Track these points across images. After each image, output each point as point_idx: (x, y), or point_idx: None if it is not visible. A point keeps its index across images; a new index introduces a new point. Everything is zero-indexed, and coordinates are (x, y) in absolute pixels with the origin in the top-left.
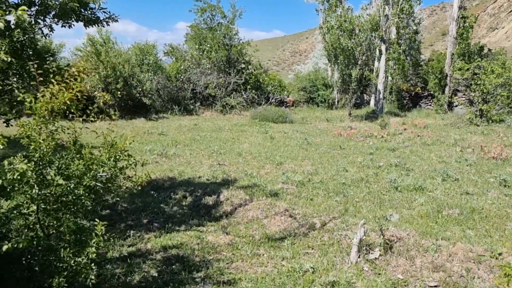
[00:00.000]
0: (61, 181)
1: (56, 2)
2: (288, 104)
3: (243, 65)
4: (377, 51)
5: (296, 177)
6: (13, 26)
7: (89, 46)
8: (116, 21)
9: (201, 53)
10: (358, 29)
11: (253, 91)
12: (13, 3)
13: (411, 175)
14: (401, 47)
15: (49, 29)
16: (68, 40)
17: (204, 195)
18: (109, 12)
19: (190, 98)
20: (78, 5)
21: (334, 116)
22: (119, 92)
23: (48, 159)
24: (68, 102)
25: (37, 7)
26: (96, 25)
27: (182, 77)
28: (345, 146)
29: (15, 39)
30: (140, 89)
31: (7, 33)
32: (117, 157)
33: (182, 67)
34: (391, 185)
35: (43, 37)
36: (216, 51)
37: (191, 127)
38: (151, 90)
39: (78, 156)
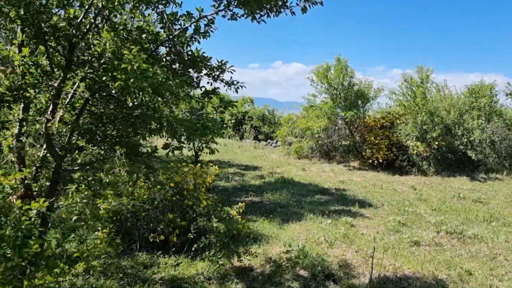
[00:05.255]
0: None
1: None
2: None
3: None
4: None
5: None
6: None
7: (404, 87)
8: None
9: None
10: None
11: None
12: None
13: None
14: None
15: None
16: (386, 83)
17: None
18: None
19: None
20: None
21: None
22: (436, 142)
23: None
24: None
25: None
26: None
27: None
28: None
29: None
30: (466, 139)
31: None
32: None
33: None
34: None
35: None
36: None
37: None
38: (481, 142)
39: None
